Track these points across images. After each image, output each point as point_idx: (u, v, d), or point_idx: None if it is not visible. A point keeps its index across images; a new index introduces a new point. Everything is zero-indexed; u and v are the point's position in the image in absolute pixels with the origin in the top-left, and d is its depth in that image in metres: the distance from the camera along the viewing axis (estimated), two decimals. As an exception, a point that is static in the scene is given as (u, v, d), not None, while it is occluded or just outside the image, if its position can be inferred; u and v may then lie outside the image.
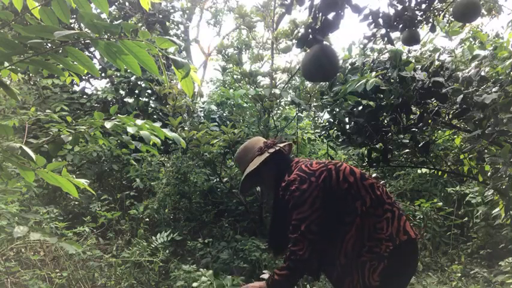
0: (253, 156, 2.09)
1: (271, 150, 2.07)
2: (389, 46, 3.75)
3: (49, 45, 1.35)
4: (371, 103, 3.82)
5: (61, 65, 1.42)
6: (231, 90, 6.79)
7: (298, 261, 1.84)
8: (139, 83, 6.95)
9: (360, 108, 3.98)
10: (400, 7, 3.11)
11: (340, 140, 4.26)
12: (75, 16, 5.46)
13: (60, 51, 1.36)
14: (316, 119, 6.38)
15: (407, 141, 3.93)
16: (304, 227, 1.84)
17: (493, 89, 3.24)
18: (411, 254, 1.93)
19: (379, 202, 1.88)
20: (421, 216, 5.08)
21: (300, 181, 1.91)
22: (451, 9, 3.35)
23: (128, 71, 5.47)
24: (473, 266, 4.72)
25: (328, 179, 1.91)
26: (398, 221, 1.87)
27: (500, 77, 3.38)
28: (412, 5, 3.18)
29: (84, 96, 7.01)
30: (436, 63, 3.71)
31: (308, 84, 5.02)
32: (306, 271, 1.97)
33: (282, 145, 2.12)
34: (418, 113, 3.82)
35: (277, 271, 1.92)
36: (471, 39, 5.30)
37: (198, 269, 3.44)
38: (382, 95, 3.76)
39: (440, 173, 4.59)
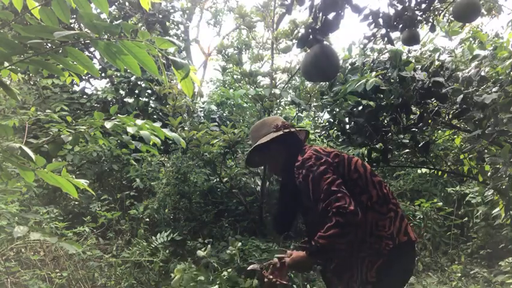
0: (267, 132, 2.09)
1: (286, 130, 2.07)
2: (389, 46, 3.75)
3: (49, 45, 1.35)
4: (371, 103, 3.82)
5: (61, 65, 1.42)
6: (231, 90, 6.79)
7: (348, 214, 1.69)
8: (139, 83, 6.95)
9: (360, 108, 3.98)
10: (400, 7, 3.11)
11: (340, 140, 4.25)
12: (75, 16, 5.46)
13: (60, 51, 1.36)
14: (316, 119, 6.38)
15: (407, 141, 3.93)
16: (336, 186, 1.77)
17: (493, 89, 3.24)
18: (409, 256, 1.94)
19: (385, 200, 1.90)
20: (421, 216, 5.08)
21: (316, 158, 1.91)
22: (451, 9, 3.35)
23: (128, 71, 5.45)
24: (473, 266, 4.72)
25: (341, 165, 1.93)
26: (400, 221, 1.88)
27: (500, 77, 3.38)
28: (412, 5, 3.18)
29: (84, 96, 7.01)
30: (436, 63, 3.71)
31: (308, 84, 5.03)
32: (356, 227, 1.78)
33: (298, 129, 2.15)
34: (418, 113, 3.81)
35: (321, 234, 1.73)
36: (471, 39, 5.29)
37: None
38: (382, 95, 3.76)
39: (440, 173, 4.59)
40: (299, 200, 2.01)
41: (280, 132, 2.06)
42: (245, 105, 7.02)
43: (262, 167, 4.72)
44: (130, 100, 7.02)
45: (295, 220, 2.17)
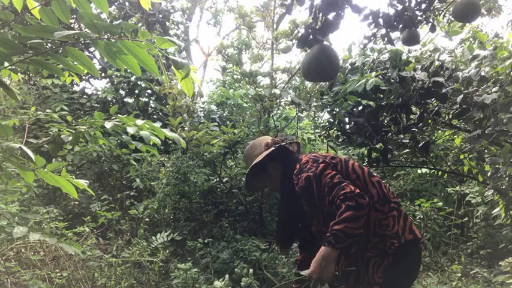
0: (260, 152, 2.12)
1: (277, 145, 2.11)
2: (389, 46, 3.74)
3: (49, 45, 1.35)
4: (371, 103, 3.82)
5: (61, 65, 1.42)
6: (231, 90, 6.79)
7: (356, 196, 1.71)
8: (139, 83, 6.95)
9: (360, 108, 3.98)
10: (400, 7, 3.11)
11: (340, 140, 4.25)
12: (75, 16, 5.46)
13: (60, 51, 1.36)
14: (316, 119, 6.38)
15: (407, 141, 3.93)
16: (338, 179, 1.81)
17: (493, 89, 3.24)
18: (416, 254, 1.94)
19: (385, 199, 1.90)
20: (421, 216, 5.08)
21: (313, 160, 1.95)
22: (451, 9, 3.35)
23: (128, 71, 5.47)
24: (473, 266, 4.72)
25: (339, 165, 1.96)
26: (405, 220, 1.88)
27: (500, 77, 3.37)
28: (412, 5, 3.17)
29: (84, 96, 7.02)
30: (436, 63, 3.71)
31: (308, 84, 5.02)
32: (367, 211, 1.75)
33: (289, 141, 2.17)
34: (418, 113, 3.81)
35: (335, 221, 1.71)
36: (471, 39, 5.29)
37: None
38: (382, 95, 3.75)
39: (440, 173, 4.59)
40: (301, 209, 2.02)
41: (273, 148, 2.08)
42: (245, 105, 7.02)
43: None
44: (130, 100, 7.03)
45: (297, 232, 2.16)
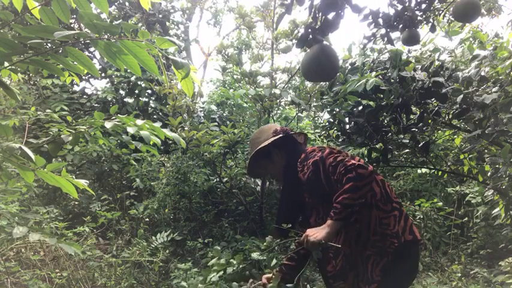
0: (266, 138, 2.13)
1: (284, 134, 2.12)
2: (389, 46, 3.74)
3: (49, 45, 1.35)
4: (371, 103, 3.82)
5: (61, 65, 1.42)
6: (231, 90, 6.79)
7: (358, 167, 1.75)
8: (139, 83, 6.95)
9: (360, 108, 3.98)
10: (400, 7, 3.11)
11: (340, 140, 4.25)
12: (75, 16, 5.46)
13: (60, 51, 1.36)
14: (316, 119, 6.38)
15: (407, 141, 3.93)
16: (341, 157, 1.86)
17: (493, 89, 3.24)
18: (415, 254, 1.95)
19: (388, 198, 1.91)
20: (421, 216, 5.07)
21: (319, 149, 1.99)
22: (451, 9, 3.35)
23: (128, 71, 5.48)
24: (473, 266, 4.71)
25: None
26: (405, 220, 1.89)
27: (500, 77, 3.37)
28: (412, 5, 3.18)
29: (84, 96, 7.02)
30: (436, 63, 3.71)
31: (308, 84, 5.02)
32: (370, 182, 1.79)
33: (297, 131, 2.22)
34: (418, 113, 3.81)
35: (337, 194, 1.76)
36: (471, 39, 5.29)
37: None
38: (382, 95, 3.76)
39: (440, 173, 4.59)
40: (302, 199, 2.03)
41: (281, 135, 2.08)
42: (245, 105, 7.03)
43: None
44: (130, 100, 7.03)
45: (297, 221, 2.18)
